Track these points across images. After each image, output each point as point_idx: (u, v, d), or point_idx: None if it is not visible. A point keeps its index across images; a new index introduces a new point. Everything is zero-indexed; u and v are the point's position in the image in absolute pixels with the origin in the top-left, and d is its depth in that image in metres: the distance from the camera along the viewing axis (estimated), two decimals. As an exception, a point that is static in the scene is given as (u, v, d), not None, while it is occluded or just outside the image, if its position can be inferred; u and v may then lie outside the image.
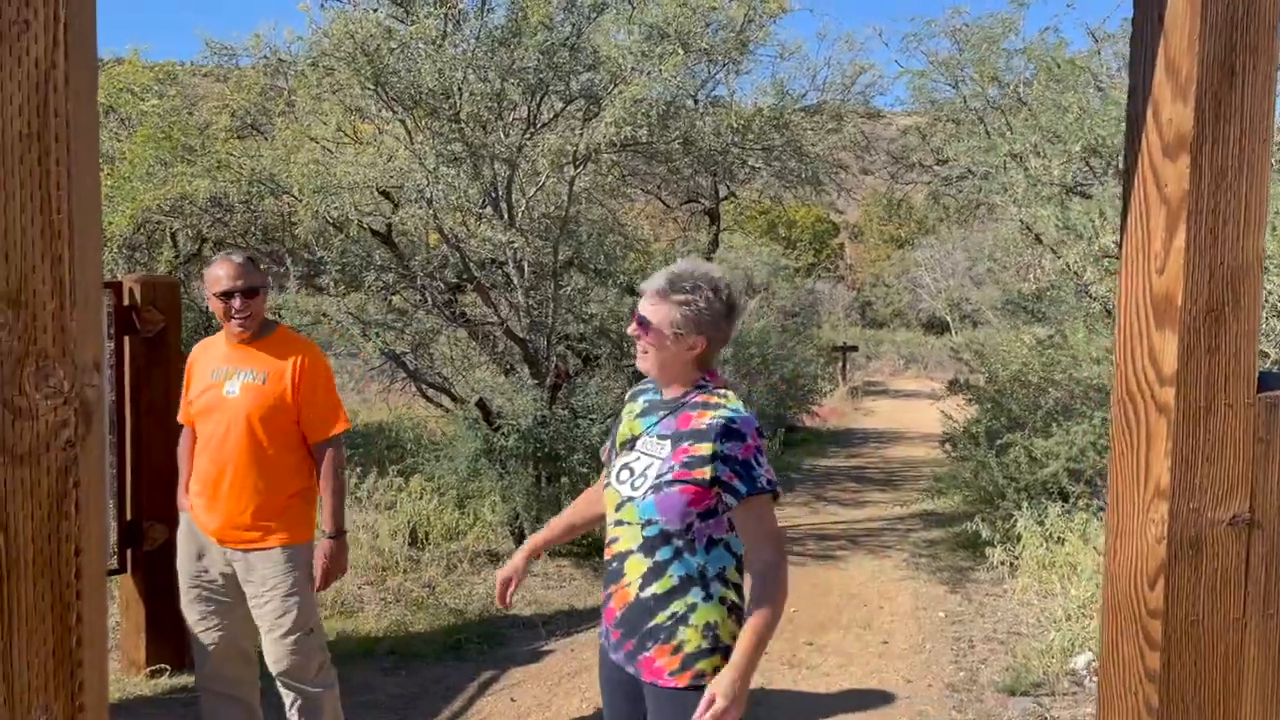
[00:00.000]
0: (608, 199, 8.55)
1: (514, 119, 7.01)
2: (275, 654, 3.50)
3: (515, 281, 6.72)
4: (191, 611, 3.61)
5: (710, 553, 2.25)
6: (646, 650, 2.29)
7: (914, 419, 17.81)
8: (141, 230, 8.45)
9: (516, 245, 6.33)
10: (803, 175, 7.08)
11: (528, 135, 6.58)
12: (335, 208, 6.20)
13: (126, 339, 4.80)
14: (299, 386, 3.48)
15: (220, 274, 3.47)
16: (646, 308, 2.29)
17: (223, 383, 3.51)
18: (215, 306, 3.51)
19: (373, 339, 6.53)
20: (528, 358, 6.92)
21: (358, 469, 7.39)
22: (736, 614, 2.28)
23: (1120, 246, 1.91)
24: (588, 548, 7.06)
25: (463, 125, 5.93)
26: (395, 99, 5.82)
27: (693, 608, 2.25)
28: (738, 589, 2.31)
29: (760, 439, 2.24)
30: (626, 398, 2.56)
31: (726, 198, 9.76)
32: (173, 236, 8.01)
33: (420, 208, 6.27)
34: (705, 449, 2.20)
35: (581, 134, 6.11)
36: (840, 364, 22.60)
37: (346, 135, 7.68)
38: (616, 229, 8.81)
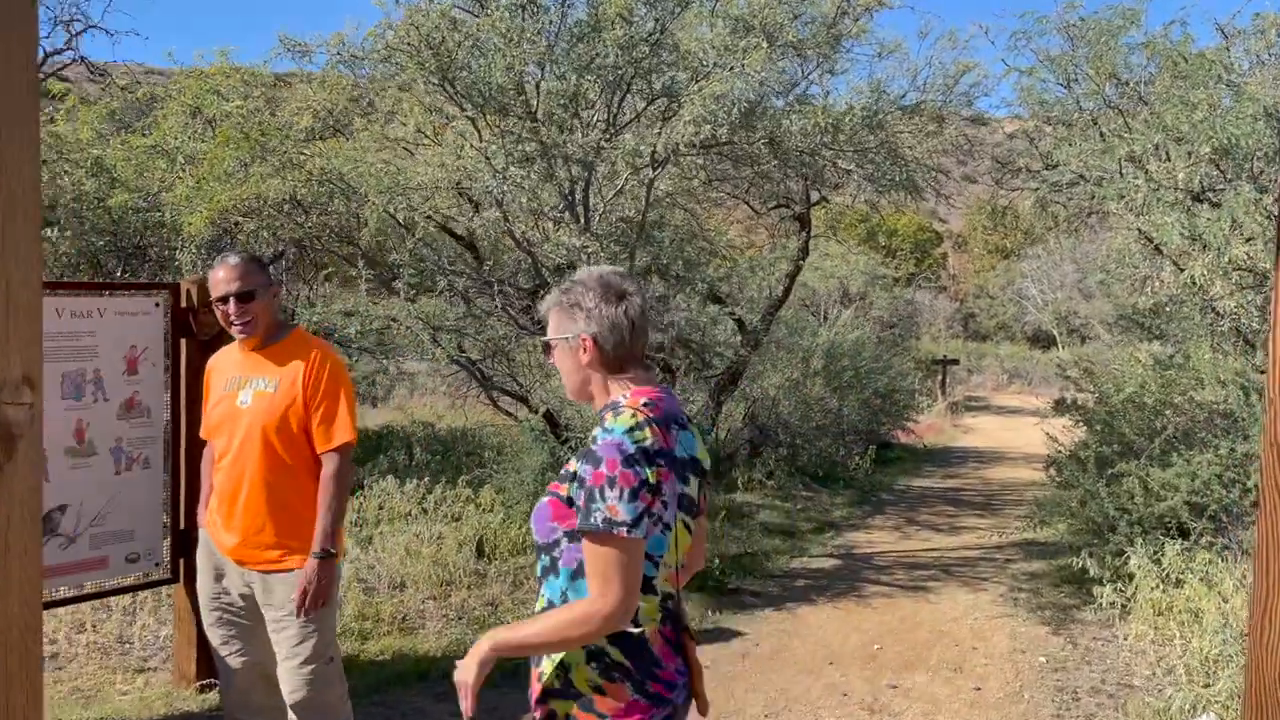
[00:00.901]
0: (691, 203, 8.21)
1: (595, 120, 6.75)
2: (292, 684, 3.26)
3: (590, 288, 6.45)
4: (214, 635, 3.41)
5: (574, 581, 1.98)
6: (531, 674, 2.11)
7: (1016, 438, 16.96)
8: (226, 234, 8.48)
9: (591, 250, 6.04)
10: (898, 179, 6.58)
11: (607, 137, 6.29)
12: (401, 208, 6.01)
13: (183, 342, 4.69)
14: (306, 391, 3.24)
15: (216, 277, 3.25)
16: (549, 329, 2.15)
17: (236, 393, 3.28)
18: (217, 311, 3.30)
19: (443, 345, 6.32)
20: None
21: (425, 478, 7.20)
22: (599, 662, 1.98)
23: (1276, 259, 1.50)
24: (660, 568, 6.72)
25: (538, 124, 5.68)
26: (463, 95, 5.60)
27: None
28: (611, 635, 1.97)
29: (629, 469, 1.88)
30: None
31: (818, 203, 9.30)
32: (252, 238, 7.99)
33: (493, 210, 6.04)
34: (572, 466, 2.00)
35: (660, 134, 5.79)
36: (940, 378, 21.77)
37: (427, 137, 7.54)
38: (700, 234, 8.46)
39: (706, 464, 2.15)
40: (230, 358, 3.40)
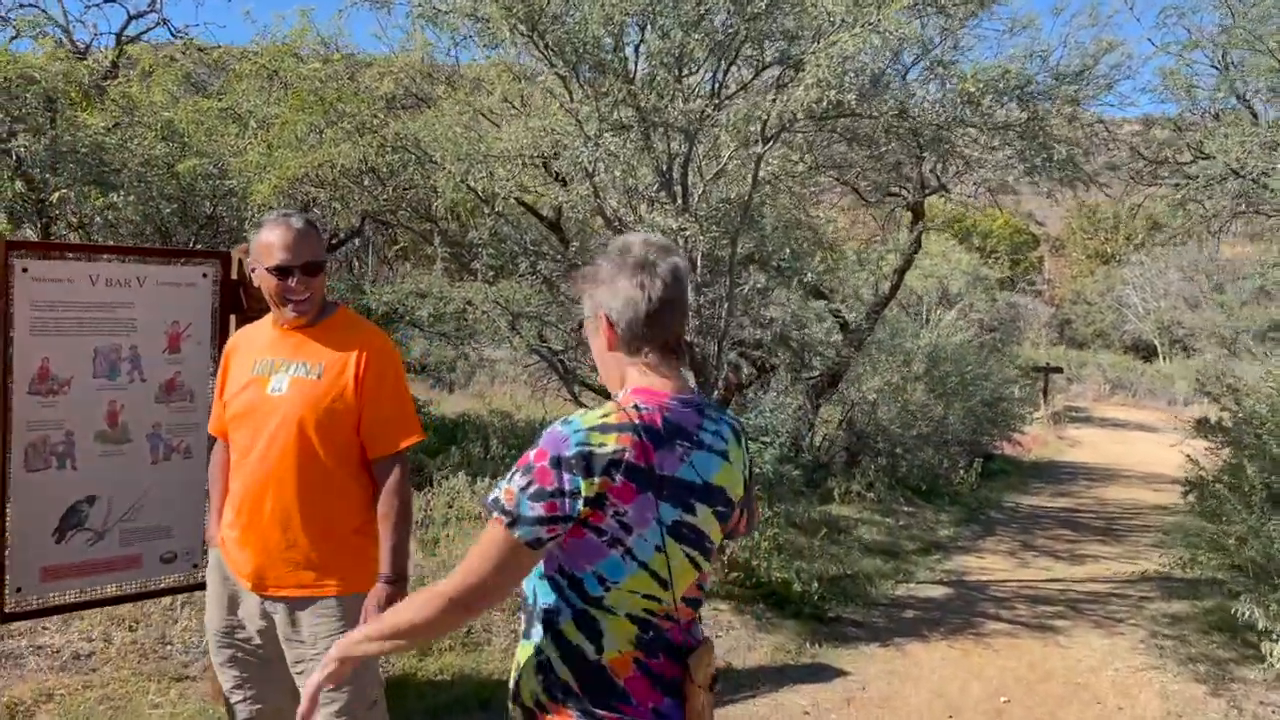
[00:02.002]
0: (798, 187, 7.47)
1: (698, 88, 6.07)
2: None
3: (686, 275, 5.78)
4: (225, 677, 2.82)
5: (541, 580, 1.78)
6: None
7: (1128, 453, 15.82)
8: (305, 208, 8.03)
9: (689, 233, 5.38)
10: (1056, 158, 5.68)
11: (713, 105, 5.61)
12: (480, 178, 5.41)
13: (232, 319, 4.18)
14: (363, 383, 2.63)
15: (273, 241, 2.62)
16: None
17: (266, 378, 2.67)
18: (265, 284, 2.68)
19: (522, 333, 5.72)
20: (694, 364, 5.95)
21: (497, 476, 6.62)
22: (544, 675, 1.74)
23: None
24: (753, 588, 6.04)
25: (634, 88, 5.03)
26: (554, 50, 4.97)
27: (521, 636, 1.84)
28: (563, 648, 1.73)
29: (554, 469, 1.64)
30: None
31: (934, 191, 8.48)
32: (325, 210, 7.50)
33: (583, 184, 5.41)
34: None
35: (774, 100, 5.08)
36: (1041, 387, 20.58)
37: (514, 107, 6.96)
38: (806, 222, 7.72)
39: (734, 493, 1.82)
40: (260, 337, 2.81)
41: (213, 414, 2.96)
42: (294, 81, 6.87)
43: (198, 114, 6.98)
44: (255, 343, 2.79)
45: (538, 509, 1.64)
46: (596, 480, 1.63)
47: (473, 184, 5.54)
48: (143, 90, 7.25)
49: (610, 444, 1.65)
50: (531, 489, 1.64)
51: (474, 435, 9.14)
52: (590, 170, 5.21)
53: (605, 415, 1.69)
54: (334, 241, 8.30)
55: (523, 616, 1.81)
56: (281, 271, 2.62)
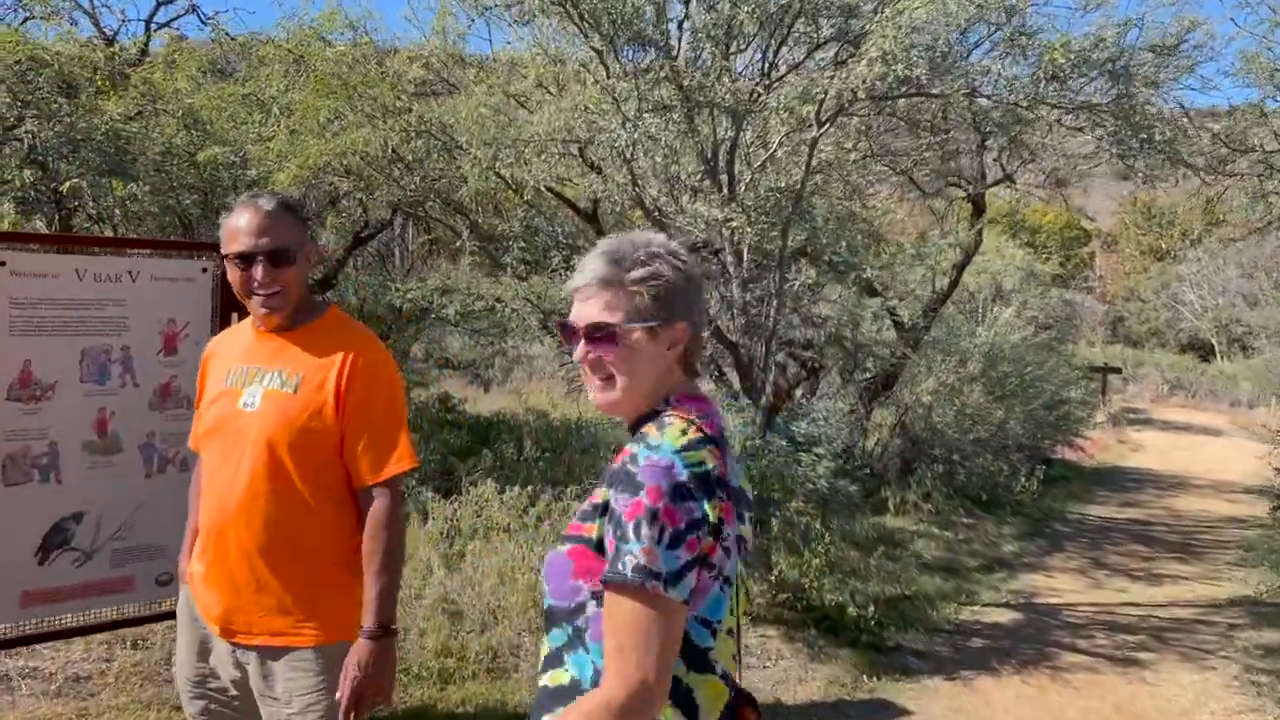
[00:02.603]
0: (853, 175, 6.96)
1: (746, 69, 5.61)
2: None
3: (731, 271, 5.31)
4: None
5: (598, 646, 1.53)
6: None
7: (1195, 459, 15.06)
8: (333, 202, 7.70)
9: (735, 224, 4.92)
10: (1158, 137, 5.08)
11: (763, 85, 5.15)
12: (508, 163, 5.00)
13: (234, 316, 3.82)
14: (345, 400, 2.23)
15: (238, 225, 2.24)
16: (591, 309, 1.59)
17: (239, 389, 2.28)
18: (231, 275, 2.31)
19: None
20: (740, 365, 5.49)
21: (529, 485, 6.19)
22: None
23: None
24: (804, 612, 5.57)
25: (676, 64, 4.58)
26: (589, 21, 4.53)
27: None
28: None
29: (677, 503, 1.43)
30: None
31: (999, 182, 7.93)
32: (362, 202, 7.15)
33: (621, 170, 4.98)
34: (600, 495, 1.55)
35: (833, 78, 4.60)
36: (1100, 388, 19.81)
37: (548, 91, 6.55)
38: (862, 214, 7.22)
39: (751, 495, 1.72)
40: (238, 341, 2.42)
41: (192, 427, 2.58)
42: (319, 65, 6.52)
43: (220, 100, 6.66)
44: (233, 348, 2.40)
45: (683, 555, 1.44)
46: (713, 504, 1.48)
47: (501, 170, 5.13)
48: (166, 77, 6.95)
49: (709, 461, 1.50)
50: (667, 535, 1.43)
51: (508, 435, 8.76)
52: (628, 155, 4.77)
53: (684, 432, 1.53)
54: (363, 235, 8.00)
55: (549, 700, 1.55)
56: (244, 259, 2.24)
